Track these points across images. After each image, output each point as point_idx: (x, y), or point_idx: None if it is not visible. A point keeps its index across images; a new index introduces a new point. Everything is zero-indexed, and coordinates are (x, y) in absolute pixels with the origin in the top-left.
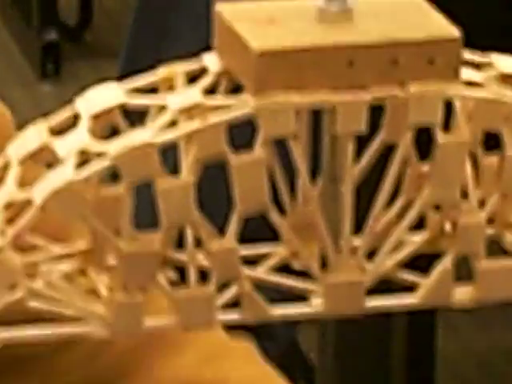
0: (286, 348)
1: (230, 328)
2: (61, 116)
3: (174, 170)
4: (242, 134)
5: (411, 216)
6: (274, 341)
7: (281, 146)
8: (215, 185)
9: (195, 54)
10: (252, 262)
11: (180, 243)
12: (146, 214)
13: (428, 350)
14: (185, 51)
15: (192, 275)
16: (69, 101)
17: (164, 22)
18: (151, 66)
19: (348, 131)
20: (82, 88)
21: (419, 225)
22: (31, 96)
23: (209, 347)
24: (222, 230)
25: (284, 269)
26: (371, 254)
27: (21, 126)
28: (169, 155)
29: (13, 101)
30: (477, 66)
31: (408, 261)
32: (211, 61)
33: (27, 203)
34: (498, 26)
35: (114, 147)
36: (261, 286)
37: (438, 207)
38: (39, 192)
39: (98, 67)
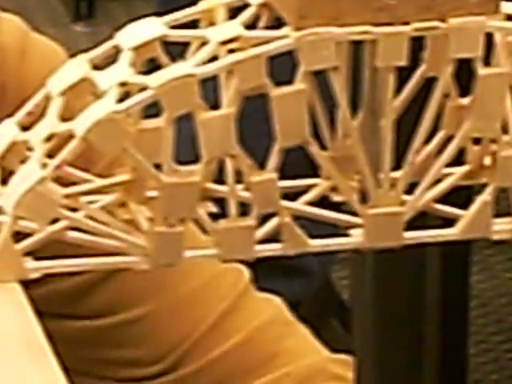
0: (320, 285)
1: (268, 265)
2: (101, 50)
3: (216, 106)
4: (282, 68)
5: (451, 149)
6: (309, 278)
7: (321, 79)
8: (255, 121)
9: None
10: (292, 198)
11: (220, 180)
12: (186, 149)
13: (462, 288)
14: None
15: (232, 208)
16: (102, 41)
17: None
18: (187, 4)
19: (389, 64)
20: (116, 29)
21: (459, 161)
22: (65, 37)
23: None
24: (261, 166)
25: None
26: (411, 188)
27: None
28: (209, 91)
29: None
30: None
31: (447, 195)
32: None
33: (69, 135)
34: None
35: (155, 79)
36: (300, 221)
37: (477, 141)
38: (81, 124)
39: (132, 7)
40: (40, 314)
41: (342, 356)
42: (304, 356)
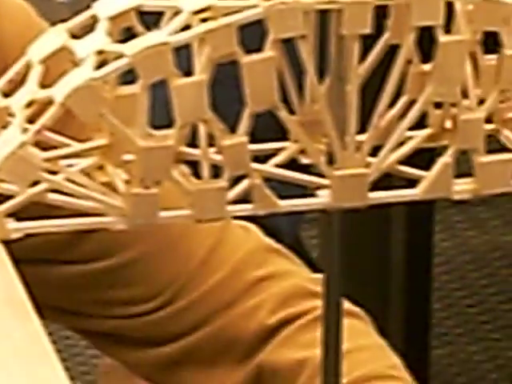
0: (290, 244)
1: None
2: (79, 19)
3: (189, 73)
4: (252, 37)
5: (414, 113)
6: (278, 237)
7: (290, 47)
8: (226, 88)
9: None
10: (262, 161)
11: (193, 143)
12: (161, 115)
13: (426, 246)
14: None
15: (205, 170)
16: (81, 11)
17: None
18: None
19: (354, 32)
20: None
21: (421, 124)
22: (47, 7)
23: None
24: (233, 130)
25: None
26: (376, 151)
27: None
28: (183, 59)
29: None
30: None
31: (410, 157)
32: None
33: (48, 102)
34: None
35: (131, 47)
36: (270, 183)
37: (439, 105)
38: (60, 90)
39: None
40: (37, 260)
41: (320, 275)
42: (285, 278)
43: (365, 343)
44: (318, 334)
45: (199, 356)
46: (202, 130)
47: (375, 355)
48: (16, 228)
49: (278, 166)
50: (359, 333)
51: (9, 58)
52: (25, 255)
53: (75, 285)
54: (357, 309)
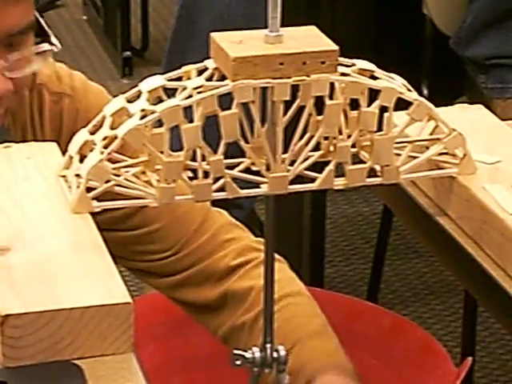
0: (248, 214)
1: (217, 205)
2: (132, 91)
3: (191, 121)
4: (225, 101)
5: (312, 142)
6: (241, 209)
7: (246, 107)
8: (212, 128)
9: (204, 59)
10: (231, 168)
11: (193, 159)
12: (176, 144)
13: (322, 215)
14: (197, 59)
15: (200, 173)
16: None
17: (187, 43)
18: (179, 66)
19: (280, 99)
20: (140, 81)
21: (317, 148)
22: (116, 86)
23: None
24: (215, 152)
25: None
26: (292, 163)
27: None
28: (188, 114)
29: (106, 88)
30: (347, 66)
31: (312, 166)
32: (210, 63)
33: (115, 137)
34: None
35: (160, 107)
36: (235, 180)
37: (326, 138)
38: (121, 130)
39: (153, 70)
40: (101, 229)
41: (262, 239)
42: (240, 240)
43: (283, 276)
44: (260, 272)
45: (193, 281)
46: (198, 152)
47: (290, 282)
48: (97, 205)
49: (240, 171)
50: (282, 270)
51: (90, 119)
52: (99, 225)
53: (125, 242)
54: (280, 257)
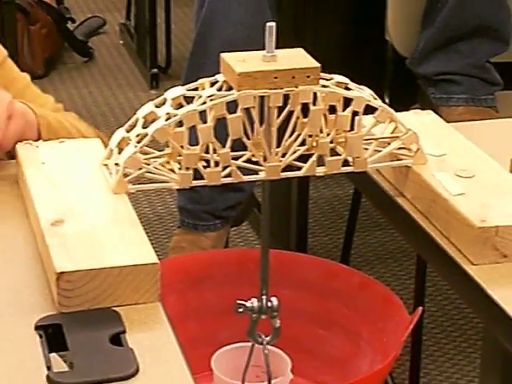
0: (248, 196)
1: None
2: (159, 99)
3: (205, 122)
4: (232, 106)
5: (299, 139)
6: (243, 192)
7: (248, 111)
8: (221, 128)
9: (215, 74)
10: (236, 159)
11: (206, 151)
12: (193, 140)
13: (305, 195)
14: (210, 74)
15: (212, 163)
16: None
17: (202, 62)
18: (195, 80)
19: (274, 105)
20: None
21: (303, 144)
22: (146, 96)
23: None
24: (224, 146)
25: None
26: (284, 155)
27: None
28: (203, 116)
29: (138, 97)
30: (326, 79)
31: (299, 158)
32: (220, 77)
33: (145, 134)
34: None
35: (181, 111)
36: (239, 169)
37: (310, 136)
38: (150, 130)
39: (175, 83)
40: None
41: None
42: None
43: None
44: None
45: None
46: (211, 146)
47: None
48: (132, 188)
49: (243, 161)
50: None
51: None
52: None
53: None
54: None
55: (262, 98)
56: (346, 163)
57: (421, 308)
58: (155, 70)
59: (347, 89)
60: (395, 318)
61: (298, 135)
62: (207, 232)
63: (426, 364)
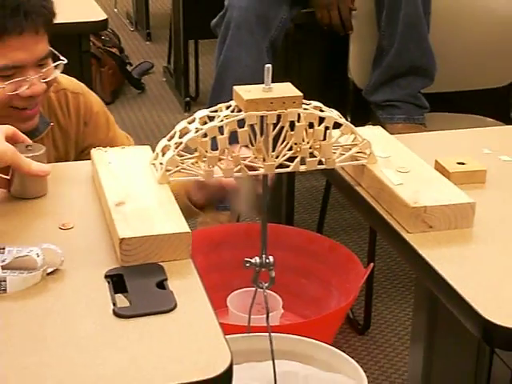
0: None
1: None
2: (190, 118)
3: (222, 134)
4: (241, 123)
5: (288, 146)
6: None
7: (253, 127)
8: (234, 138)
9: (230, 100)
10: (244, 159)
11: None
12: (214, 146)
13: (291, 186)
14: (226, 100)
15: (227, 163)
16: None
17: (220, 93)
18: (216, 104)
19: (271, 122)
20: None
21: (291, 149)
22: (181, 117)
23: None
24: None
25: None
26: (277, 157)
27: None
28: (221, 130)
29: (175, 118)
30: (307, 104)
31: (289, 158)
32: (233, 102)
33: (181, 143)
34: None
35: (205, 127)
36: (248, 167)
37: (296, 144)
38: (184, 139)
39: (202, 108)
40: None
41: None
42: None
43: None
44: None
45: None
46: (226, 151)
47: None
48: (172, 180)
49: (249, 161)
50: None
51: (93, 107)
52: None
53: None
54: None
55: (262, 117)
56: (320, 163)
57: (372, 264)
58: (188, 99)
59: (321, 111)
60: (355, 271)
61: (287, 143)
62: (224, 211)
63: (376, 303)
